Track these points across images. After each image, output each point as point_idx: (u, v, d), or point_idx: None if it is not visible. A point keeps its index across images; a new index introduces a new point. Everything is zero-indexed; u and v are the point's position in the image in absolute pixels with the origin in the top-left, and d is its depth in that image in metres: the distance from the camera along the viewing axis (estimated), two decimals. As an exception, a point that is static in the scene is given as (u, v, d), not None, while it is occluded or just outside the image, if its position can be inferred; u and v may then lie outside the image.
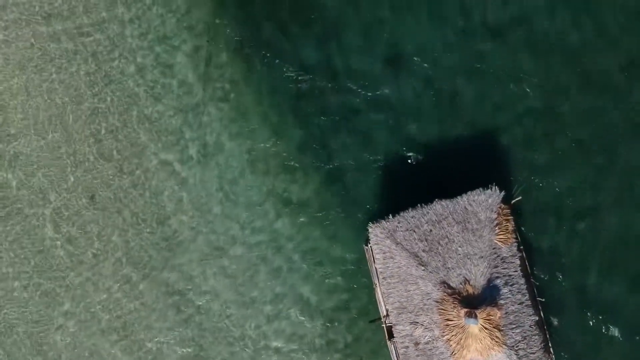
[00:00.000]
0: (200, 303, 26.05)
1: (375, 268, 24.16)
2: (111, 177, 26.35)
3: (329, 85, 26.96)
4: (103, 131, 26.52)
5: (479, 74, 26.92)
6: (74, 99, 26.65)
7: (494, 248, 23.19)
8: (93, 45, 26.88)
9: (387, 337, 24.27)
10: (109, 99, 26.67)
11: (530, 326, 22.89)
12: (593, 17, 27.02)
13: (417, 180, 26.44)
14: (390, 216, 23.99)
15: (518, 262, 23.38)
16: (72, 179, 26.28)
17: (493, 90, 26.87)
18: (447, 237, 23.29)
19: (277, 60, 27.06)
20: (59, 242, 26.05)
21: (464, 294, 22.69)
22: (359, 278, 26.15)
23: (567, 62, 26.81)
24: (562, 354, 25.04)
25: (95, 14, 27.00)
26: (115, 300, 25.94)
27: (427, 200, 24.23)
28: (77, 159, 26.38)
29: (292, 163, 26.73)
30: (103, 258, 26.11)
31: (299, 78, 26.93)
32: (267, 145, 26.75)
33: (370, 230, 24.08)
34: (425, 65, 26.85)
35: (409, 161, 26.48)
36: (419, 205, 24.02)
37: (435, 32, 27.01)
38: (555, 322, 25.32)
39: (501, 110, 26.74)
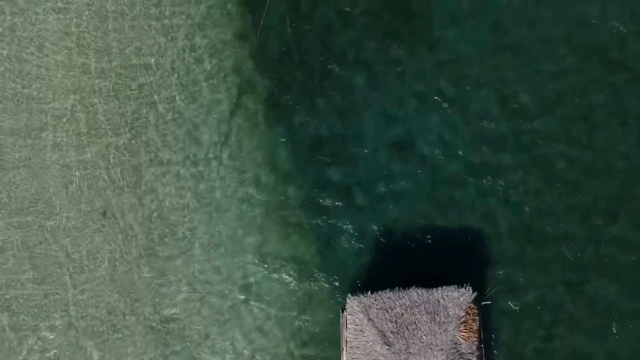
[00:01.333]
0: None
1: (346, 336, 26.16)
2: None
3: (337, 157, 29.08)
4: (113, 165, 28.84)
5: (480, 182, 29.02)
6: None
7: (455, 343, 25.16)
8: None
9: (342, 402, 26.24)
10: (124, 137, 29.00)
11: (474, 421, 24.81)
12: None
13: (403, 262, 28.44)
14: (369, 292, 26.08)
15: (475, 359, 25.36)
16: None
17: (492, 199, 28.97)
18: (415, 324, 25.27)
19: (294, 125, 29.18)
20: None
21: (419, 380, 24.69)
22: (331, 337, 28.09)
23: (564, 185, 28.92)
24: None
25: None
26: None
27: (407, 283, 26.37)
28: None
29: (287, 223, 28.79)
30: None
31: (313, 147, 29.24)
32: (265, 200, 28.91)
33: (348, 301, 26.14)
34: (429, 161, 29.02)
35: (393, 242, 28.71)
36: (397, 288, 26.11)
37: (444, 133, 29.11)
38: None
39: (495, 219, 28.79)
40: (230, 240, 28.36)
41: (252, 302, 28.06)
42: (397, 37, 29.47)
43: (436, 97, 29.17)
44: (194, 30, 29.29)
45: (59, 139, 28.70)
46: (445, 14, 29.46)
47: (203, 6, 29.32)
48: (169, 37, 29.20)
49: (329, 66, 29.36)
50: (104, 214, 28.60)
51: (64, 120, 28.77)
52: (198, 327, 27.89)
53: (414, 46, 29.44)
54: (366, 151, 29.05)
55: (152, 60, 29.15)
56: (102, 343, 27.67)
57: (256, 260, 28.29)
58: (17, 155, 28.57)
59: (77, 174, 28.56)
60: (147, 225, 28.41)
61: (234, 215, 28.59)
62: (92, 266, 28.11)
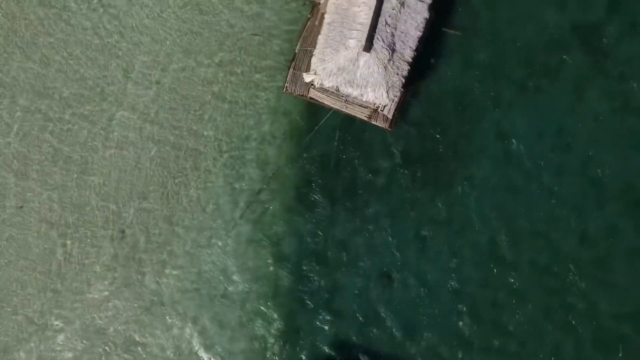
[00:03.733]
0: None
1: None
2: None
3: (331, 262, 32.81)
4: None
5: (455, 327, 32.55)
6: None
7: None
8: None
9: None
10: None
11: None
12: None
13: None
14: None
15: None
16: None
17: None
18: None
19: (306, 221, 32.96)
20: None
21: None
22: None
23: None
24: None
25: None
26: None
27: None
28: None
29: (271, 310, 32.72)
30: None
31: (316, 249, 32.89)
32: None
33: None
34: (407, 297, 32.54)
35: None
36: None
37: (428, 276, 32.72)
38: None
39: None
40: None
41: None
42: (423, 182, 33.02)
43: (434, 244, 32.78)
44: (255, 119, 33.20)
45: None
46: (469, 180, 33.06)
47: (270, 100, 33.21)
48: (230, 115, 33.23)
49: (357, 185, 33.02)
50: (122, 232, 32.43)
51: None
52: None
53: (435, 195, 32.97)
54: (359, 266, 32.59)
55: (208, 133, 33.14)
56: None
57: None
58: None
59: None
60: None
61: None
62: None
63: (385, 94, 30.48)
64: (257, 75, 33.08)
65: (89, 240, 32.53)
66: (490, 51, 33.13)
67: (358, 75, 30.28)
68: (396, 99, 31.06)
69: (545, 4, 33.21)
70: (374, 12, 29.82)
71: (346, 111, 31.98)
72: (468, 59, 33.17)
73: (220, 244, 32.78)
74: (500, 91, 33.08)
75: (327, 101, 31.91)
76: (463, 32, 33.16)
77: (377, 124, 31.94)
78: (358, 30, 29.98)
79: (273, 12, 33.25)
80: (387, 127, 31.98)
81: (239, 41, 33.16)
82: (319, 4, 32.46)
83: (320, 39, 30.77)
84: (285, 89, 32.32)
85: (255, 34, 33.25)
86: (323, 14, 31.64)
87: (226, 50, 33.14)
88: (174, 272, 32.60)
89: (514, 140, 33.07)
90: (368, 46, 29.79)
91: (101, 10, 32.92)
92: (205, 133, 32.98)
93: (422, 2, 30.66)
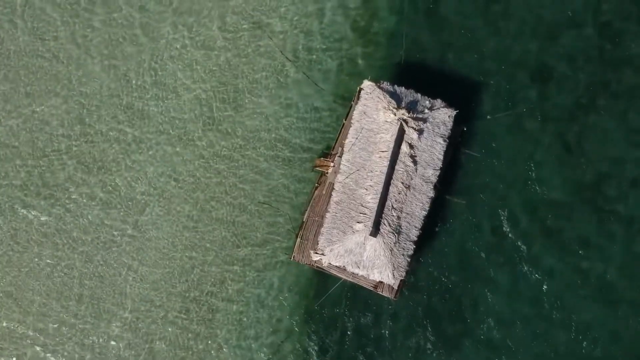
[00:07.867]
0: None
1: None
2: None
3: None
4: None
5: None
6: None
7: None
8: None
9: None
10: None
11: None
12: None
13: None
14: None
15: None
16: None
17: None
18: None
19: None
20: None
21: None
22: None
23: None
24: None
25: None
26: None
27: None
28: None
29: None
30: None
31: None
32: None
33: None
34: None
35: None
36: None
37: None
38: None
39: None
40: None
41: None
42: (429, 345, 33.86)
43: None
44: (265, 286, 34.22)
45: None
46: (475, 342, 33.89)
47: (278, 266, 34.32)
48: (237, 281, 34.31)
49: (364, 348, 33.85)
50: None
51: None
52: None
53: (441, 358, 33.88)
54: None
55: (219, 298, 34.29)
56: None
57: None
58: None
59: None
60: None
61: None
62: None
63: (391, 275, 31.20)
64: (266, 241, 33.99)
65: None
66: (492, 215, 33.94)
67: (365, 257, 31.00)
68: (401, 277, 31.81)
69: (544, 165, 34.13)
70: (380, 198, 30.52)
71: (353, 281, 32.73)
72: (471, 224, 34.00)
73: None
74: (502, 254, 33.89)
75: (335, 271, 32.65)
76: (466, 200, 33.99)
77: (382, 294, 32.67)
78: (365, 214, 30.69)
79: (282, 180, 34.13)
80: (392, 297, 32.71)
81: (247, 208, 34.01)
82: (327, 173, 33.22)
83: (328, 217, 31.45)
84: (292, 257, 33.08)
85: (263, 203, 34.08)
86: (331, 184, 32.40)
87: (235, 216, 34.08)
88: None
89: (519, 302, 33.88)
90: (375, 232, 30.50)
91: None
92: (215, 300, 33.90)
93: (428, 182, 31.35)
